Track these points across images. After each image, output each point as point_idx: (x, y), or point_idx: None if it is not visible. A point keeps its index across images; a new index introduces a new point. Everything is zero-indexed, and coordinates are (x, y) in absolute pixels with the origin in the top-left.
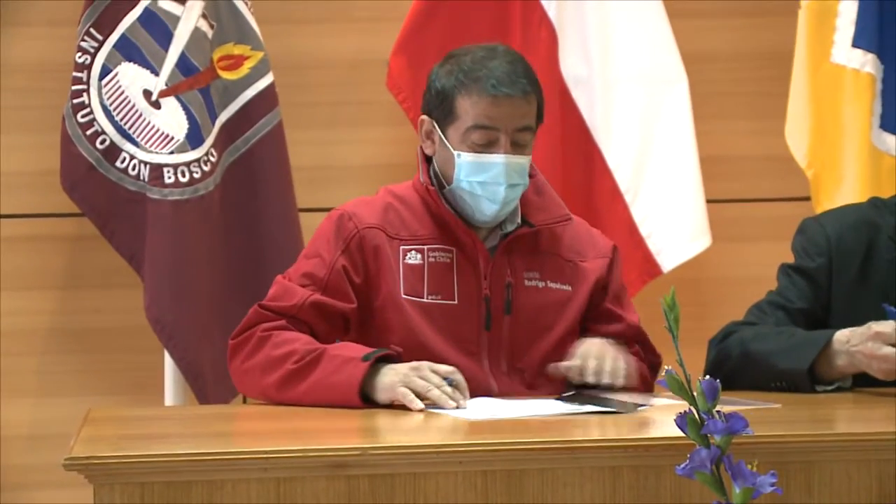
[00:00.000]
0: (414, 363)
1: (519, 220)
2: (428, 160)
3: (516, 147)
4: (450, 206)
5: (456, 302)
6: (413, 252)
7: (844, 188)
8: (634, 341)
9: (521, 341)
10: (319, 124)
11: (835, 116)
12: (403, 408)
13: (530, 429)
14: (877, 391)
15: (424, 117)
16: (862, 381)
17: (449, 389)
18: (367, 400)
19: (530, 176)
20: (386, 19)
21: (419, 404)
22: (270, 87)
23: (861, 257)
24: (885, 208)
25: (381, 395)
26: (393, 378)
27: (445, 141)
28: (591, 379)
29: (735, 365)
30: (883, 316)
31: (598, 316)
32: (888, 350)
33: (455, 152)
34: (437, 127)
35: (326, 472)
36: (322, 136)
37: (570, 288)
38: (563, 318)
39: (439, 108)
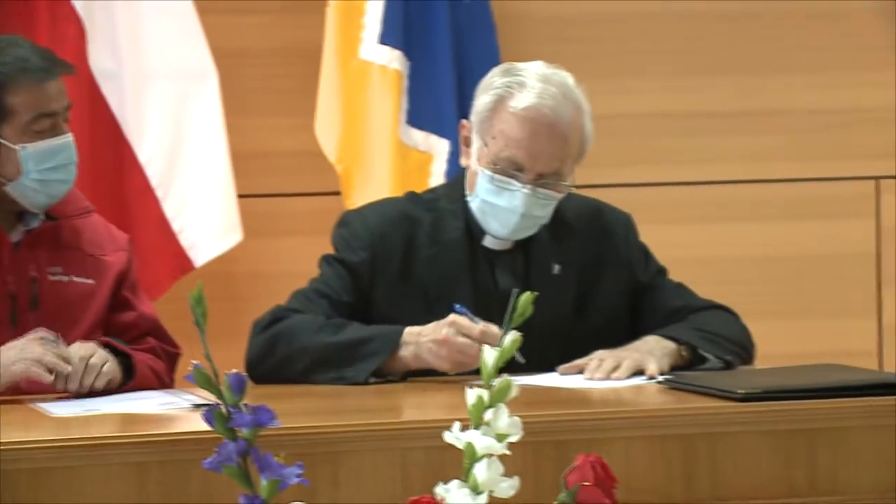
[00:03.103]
0: None
1: (42, 216)
2: None
3: (66, 124)
4: None
5: None
6: None
7: (374, 183)
8: (149, 334)
9: None
10: None
11: (363, 112)
12: None
13: (52, 426)
14: (424, 380)
15: None
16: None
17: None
18: None
19: None
20: None
21: None
22: None
23: (401, 252)
24: (422, 203)
25: None
26: None
27: (2, 141)
28: None
29: (286, 354)
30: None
31: (113, 305)
32: (464, 340)
33: (18, 147)
34: None
35: None
36: None
37: (93, 281)
38: (88, 311)
39: None
